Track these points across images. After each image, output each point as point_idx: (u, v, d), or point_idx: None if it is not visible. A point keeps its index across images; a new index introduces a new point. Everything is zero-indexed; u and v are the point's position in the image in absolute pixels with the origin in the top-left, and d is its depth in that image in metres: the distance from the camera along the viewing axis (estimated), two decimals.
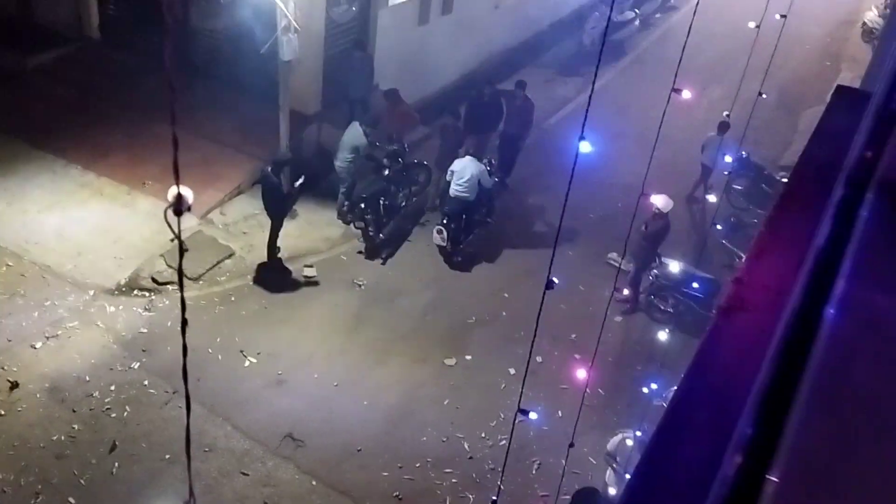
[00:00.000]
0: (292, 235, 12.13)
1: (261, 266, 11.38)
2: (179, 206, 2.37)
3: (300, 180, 11.33)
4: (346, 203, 12.27)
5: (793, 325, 1.58)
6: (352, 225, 12.14)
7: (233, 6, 13.26)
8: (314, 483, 8.70)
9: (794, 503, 1.17)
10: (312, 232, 12.32)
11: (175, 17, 13.53)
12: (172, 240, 2.41)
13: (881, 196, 1.82)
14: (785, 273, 2.45)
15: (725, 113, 12.70)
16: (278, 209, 11.20)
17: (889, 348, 1.43)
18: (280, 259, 11.46)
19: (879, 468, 1.22)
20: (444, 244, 11.82)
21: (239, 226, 12.09)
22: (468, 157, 11.88)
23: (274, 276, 11.31)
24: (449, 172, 11.96)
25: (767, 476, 1.19)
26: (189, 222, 11.42)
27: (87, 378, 9.44)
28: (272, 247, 11.29)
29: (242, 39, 13.03)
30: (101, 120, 13.20)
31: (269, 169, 11.12)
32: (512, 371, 10.27)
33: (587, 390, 9.64)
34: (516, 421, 6.60)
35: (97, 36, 14.88)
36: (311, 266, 11.62)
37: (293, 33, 10.93)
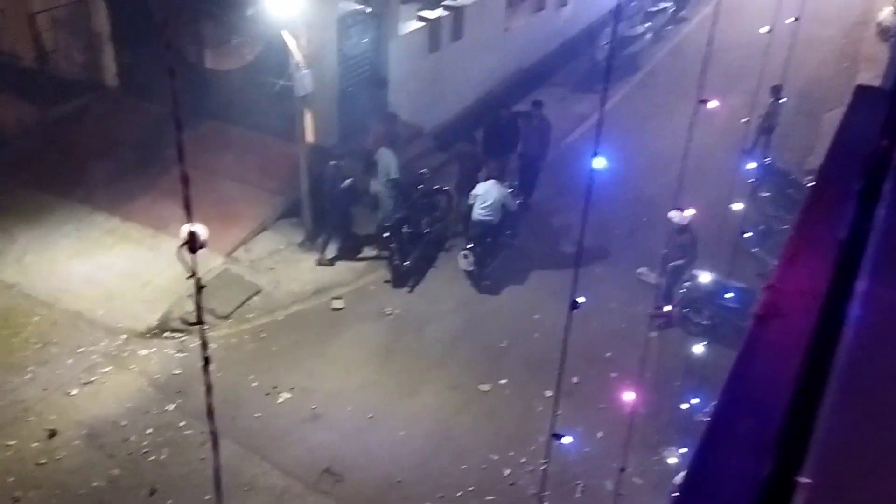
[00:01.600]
0: (317, 269, 12.13)
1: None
2: (194, 244, 2.35)
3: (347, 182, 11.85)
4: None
5: (821, 326, 1.53)
6: (377, 254, 12.13)
7: (246, 46, 13.41)
8: None
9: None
10: (338, 264, 12.31)
11: (190, 61, 13.70)
12: (189, 277, 2.38)
13: None
14: (817, 275, 2.39)
15: (744, 120, 12.60)
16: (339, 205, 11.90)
17: None
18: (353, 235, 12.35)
19: None
20: (471, 268, 11.76)
21: (265, 262, 12.11)
22: (491, 181, 11.86)
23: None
24: (472, 196, 11.93)
25: (799, 478, 1.15)
26: (215, 261, 11.47)
27: (124, 422, 9.44)
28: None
29: (257, 78, 13.16)
30: (123, 166, 13.35)
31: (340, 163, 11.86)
32: (548, 393, 10.12)
33: (630, 411, 9.52)
34: (551, 445, 6.50)
35: (116, 84, 15.08)
36: (339, 298, 11.60)
37: (306, 69, 11.02)
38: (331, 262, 12.19)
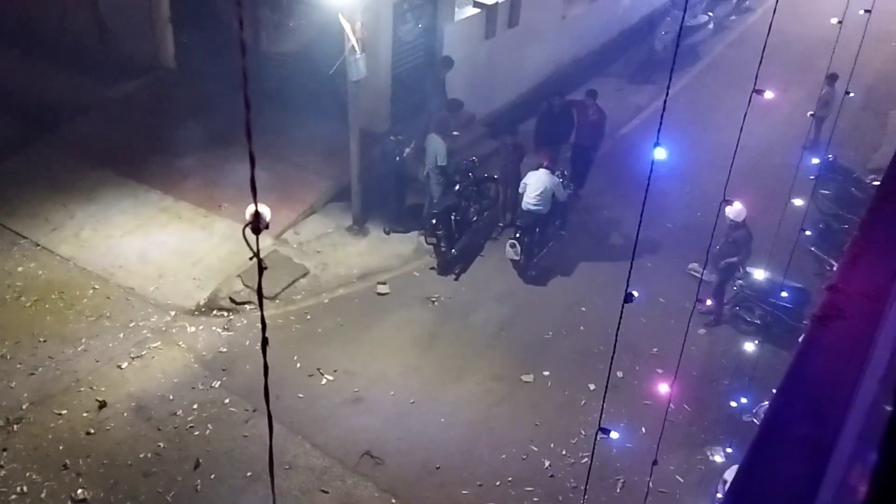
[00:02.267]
0: (364, 254, 12.18)
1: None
2: (258, 224, 2.32)
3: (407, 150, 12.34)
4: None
5: (883, 330, 1.41)
6: (424, 240, 12.11)
7: (301, 30, 13.49)
8: (393, 501, 8.62)
9: None
10: (384, 249, 12.34)
11: (246, 43, 13.83)
12: (251, 258, 2.35)
13: None
14: (882, 278, 2.28)
15: (809, 113, 12.21)
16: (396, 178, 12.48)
17: None
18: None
19: None
20: (518, 258, 11.65)
21: (312, 245, 12.20)
22: (541, 170, 11.71)
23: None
24: (522, 185, 11.80)
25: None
26: (264, 242, 11.52)
27: (171, 397, 9.62)
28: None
29: (311, 62, 13.21)
30: (178, 146, 13.58)
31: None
32: (592, 386, 10.00)
33: (671, 405, 9.33)
34: (597, 438, 6.38)
35: (173, 65, 15.33)
36: (384, 283, 11.62)
37: (360, 54, 11.01)
38: (387, 232, 12.55)
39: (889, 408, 1.29)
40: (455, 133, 12.89)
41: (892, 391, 1.34)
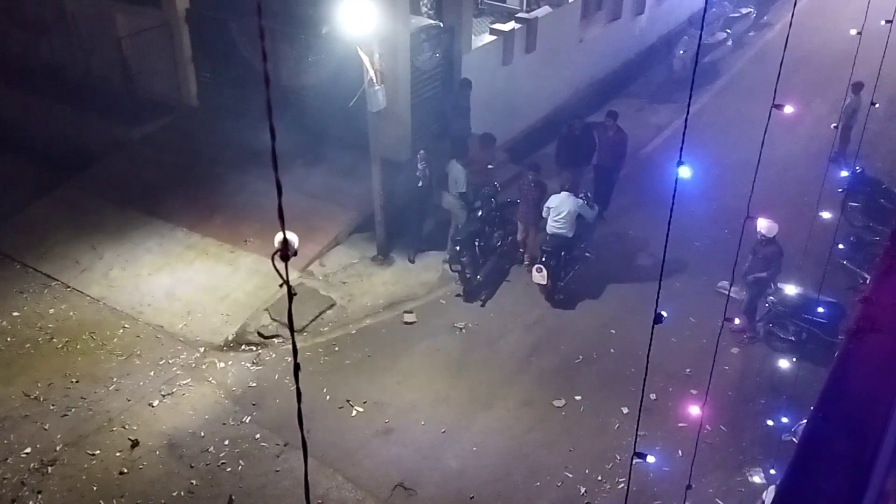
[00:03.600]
0: (389, 283, 12.17)
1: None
2: (286, 251, 2.31)
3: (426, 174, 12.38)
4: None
5: None
6: (448, 267, 12.07)
7: (320, 64, 13.64)
8: None
9: None
10: (409, 278, 12.33)
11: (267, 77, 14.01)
12: (281, 285, 2.35)
13: None
14: None
15: (833, 125, 12.08)
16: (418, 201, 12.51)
17: None
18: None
19: None
20: (545, 282, 11.57)
21: (338, 276, 12.22)
22: (564, 193, 11.66)
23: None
24: (545, 209, 11.75)
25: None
26: (290, 275, 11.60)
27: (203, 434, 9.62)
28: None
29: (331, 94, 13.34)
30: (203, 183, 13.74)
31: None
32: (625, 410, 9.85)
33: (707, 427, 9.15)
34: (633, 463, 6.26)
35: (196, 103, 15.57)
36: (410, 312, 11.59)
37: (380, 85, 11.09)
38: (412, 260, 12.57)
39: None
40: (490, 166, 12.94)
41: None
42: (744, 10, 20.11)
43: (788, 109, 8.35)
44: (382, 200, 12.09)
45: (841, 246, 11.51)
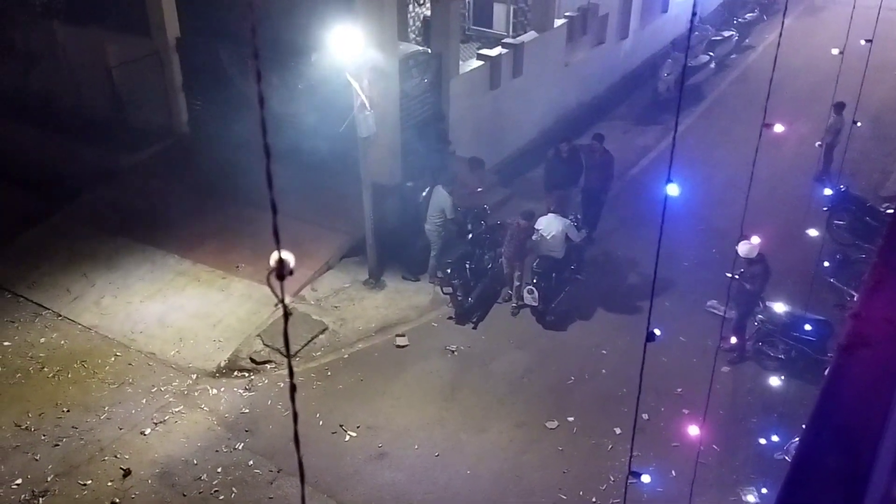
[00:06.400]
0: (381, 307, 12.20)
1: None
2: (282, 270, 2.34)
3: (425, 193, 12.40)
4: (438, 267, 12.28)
5: None
6: (440, 290, 12.12)
7: (310, 90, 13.75)
8: None
9: None
10: (401, 301, 12.36)
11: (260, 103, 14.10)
12: (276, 305, 2.39)
13: None
14: None
15: (817, 143, 12.25)
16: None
17: None
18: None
19: None
20: (536, 304, 11.63)
21: (330, 300, 12.25)
22: (552, 214, 11.76)
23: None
24: (535, 233, 11.83)
25: None
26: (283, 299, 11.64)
27: (195, 461, 9.58)
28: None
29: (321, 120, 13.44)
30: (194, 210, 13.77)
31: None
32: (618, 430, 9.88)
33: (702, 448, 9.16)
34: (628, 483, 6.27)
35: (186, 131, 15.65)
36: (402, 335, 11.61)
37: (369, 111, 11.21)
38: (415, 278, 12.80)
39: None
40: (479, 189, 13.03)
41: None
42: (726, 34, 20.41)
43: (778, 128, 8.45)
44: (373, 224, 12.15)
45: (827, 264, 11.61)
